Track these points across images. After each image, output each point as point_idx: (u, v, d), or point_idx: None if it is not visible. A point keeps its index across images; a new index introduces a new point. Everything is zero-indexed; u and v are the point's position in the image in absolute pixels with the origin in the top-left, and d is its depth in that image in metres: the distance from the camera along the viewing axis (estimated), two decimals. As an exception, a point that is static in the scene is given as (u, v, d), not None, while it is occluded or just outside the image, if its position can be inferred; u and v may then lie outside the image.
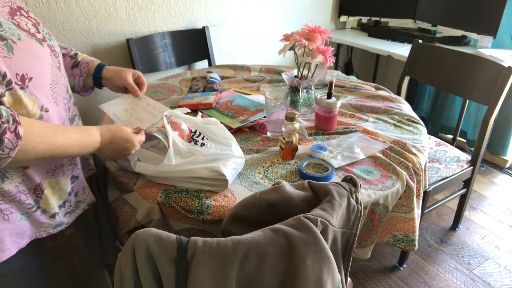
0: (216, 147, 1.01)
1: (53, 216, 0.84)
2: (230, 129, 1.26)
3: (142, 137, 0.93)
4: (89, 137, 0.81)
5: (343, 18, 2.69)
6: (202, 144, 1.04)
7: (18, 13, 0.75)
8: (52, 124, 0.76)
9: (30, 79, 0.71)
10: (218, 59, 2.22)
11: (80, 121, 0.95)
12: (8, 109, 0.65)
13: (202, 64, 2.19)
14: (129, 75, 1.04)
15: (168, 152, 0.95)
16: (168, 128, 0.96)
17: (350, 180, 0.81)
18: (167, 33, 1.95)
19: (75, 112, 0.92)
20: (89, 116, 1.87)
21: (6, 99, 0.68)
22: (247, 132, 1.28)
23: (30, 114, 0.73)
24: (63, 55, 1.00)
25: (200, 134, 1.07)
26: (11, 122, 0.64)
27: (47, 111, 0.77)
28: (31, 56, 0.72)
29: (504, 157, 2.43)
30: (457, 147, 1.82)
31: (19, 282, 0.85)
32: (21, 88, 0.70)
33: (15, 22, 0.73)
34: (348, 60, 2.90)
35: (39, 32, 0.77)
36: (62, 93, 0.84)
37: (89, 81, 1.03)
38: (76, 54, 1.03)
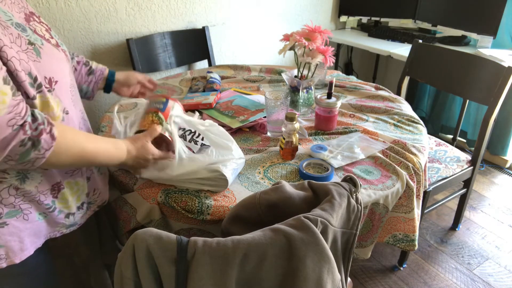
0: (217, 153, 1.01)
1: (67, 216, 0.86)
2: (230, 129, 1.26)
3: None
4: (116, 149, 0.84)
5: (343, 18, 2.69)
6: (202, 145, 1.04)
7: (31, 18, 0.78)
8: (82, 132, 0.79)
9: (56, 82, 0.75)
10: (218, 59, 2.22)
11: (88, 121, 0.97)
12: (41, 112, 0.69)
13: (202, 64, 2.19)
14: (140, 74, 1.18)
15: (173, 163, 0.96)
16: (176, 137, 0.97)
17: (350, 180, 0.81)
18: (167, 33, 1.95)
19: (84, 113, 0.95)
20: (89, 115, 1.86)
21: (37, 102, 0.71)
22: (247, 132, 1.28)
23: (55, 116, 0.76)
24: (77, 62, 1.05)
25: (199, 134, 1.07)
26: (46, 124, 0.68)
27: (67, 113, 0.80)
28: (54, 60, 0.75)
29: (504, 157, 2.43)
30: (457, 147, 1.82)
31: (33, 279, 0.87)
32: (49, 91, 0.73)
33: (32, 28, 0.75)
34: (348, 60, 2.90)
35: (52, 38, 0.80)
36: (77, 95, 0.88)
37: (101, 87, 1.11)
38: (87, 61, 1.08)
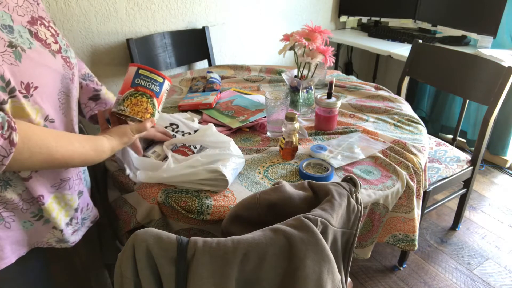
0: (214, 150, 1.01)
1: (54, 228, 0.83)
2: (230, 129, 1.26)
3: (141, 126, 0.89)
4: (96, 151, 0.78)
5: (343, 18, 2.69)
6: (201, 146, 1.05)
7: (38, 22, 0.75)
8: (57, 134, 0.73)
9: (36, 88, 0.70)
10: (218, 59, 2.22)
11: (85, 131, 0.93)
12: (5, 115, 0.63)
13: (202, 64, 2.19)
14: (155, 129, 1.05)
15: (168, 162, 0.95)
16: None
17: (350, 180, 0.81)
18: (167, 33, 1.95)
19: (76, 123, 0.90)
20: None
21: (8, 106, 0.66)
22: (247, 132, 1.28)
23: (33, 123, 0.71)
24: (90, 82, 0.99)
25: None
26: (5, 128, 0.62)
27: (52, 121, 0.75)
28: (40, 65, 0.71)
29: (504, 157, 2.43)
30: (457, 147, 1.81)
31: (20, 285, 0.84)
32: (25, 96, 0.68)
33: (33, 31, 0.72)
34: (348, 60, 2.90)
35: (56, 43, 0.76)
36: (73, 104, 0.82)
37: (95, 118, 1.00)
38: (101, 89, 1.01)
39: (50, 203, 0.79)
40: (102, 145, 0.80)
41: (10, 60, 0.65)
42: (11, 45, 0.66)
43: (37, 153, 0.67)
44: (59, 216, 0.82)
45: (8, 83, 0.65)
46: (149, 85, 0.86)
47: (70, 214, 0.85)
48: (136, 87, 0.85)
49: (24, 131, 0.65)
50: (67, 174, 0.82)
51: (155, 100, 0.87)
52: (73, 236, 0.88)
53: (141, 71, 0.86)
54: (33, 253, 0.84)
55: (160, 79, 0.87)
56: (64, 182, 0.81)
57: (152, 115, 0.88)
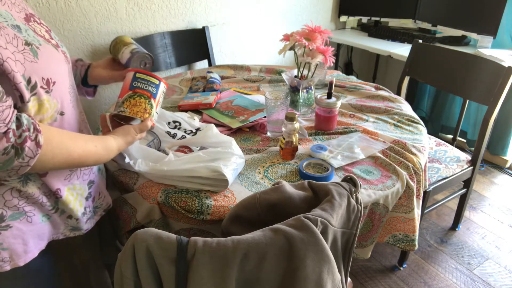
0: (216, 148, 1.02)
1: (69, 217, 0.86)
2: (230, 129, 1.26)
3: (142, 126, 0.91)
4: (106, 150, 0.82)
5: (343, 18, 2.69)
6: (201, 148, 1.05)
7: (32, 19, 0.77)
8: (71, 135, 0.75)
9: (54, 83, 0.73)
10: (218, 59, 2.22)
11: (87, 123, 0.95)
12: (29, 117, 0.66)
13: (202, 64, 2.19)
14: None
15: (169, 156, 0.96)
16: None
17: (350, 180, 0.81)
18: (167, 33, 1.95)
19: (84, 115, 0.93)
20: (89, 116, 1.86)
21: (32, 104, 0.69)
22: (247, 132, 1.28)
23: (48, 117, 0.74)
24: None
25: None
26: (31, 130, 0.65)
27: (62, 114, 0.78)
28: (52, 61, 0.73)
29: (504, 157, 2.43)
30: (457, 147, 1.82)
31: (36, 282, 0.87)
32: (47, 92, 0.71)
33: (31, 28, 0.74)
34: (348, 60, 2.90)
35: (52, 39, 0.79)
36: (77, 97, 0.86)
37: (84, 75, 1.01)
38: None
39: (66, 195, 0.82)
40: (111, 145, 0.83)
41: (29, 57, 0.68)
42: (27, 43, 0.68)
43: (59, 154, 0.70)
44: (76, 207, 0.85)
45: (29, 81, 0.67)
46: (146, 87, 0.89)
47: (83, 203, 0.88)
48: (134, 89, 0.88)
49: (46, 133, 0.68)
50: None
51: (152, 101, 0.90)
52: (86, 224, 0.91)
53: (138, 75, 0.89)
54: (47, 249, 0.86)
55: (156, 81, 0.91)
56: (72, 172, 0.84)
57: (151, 115, 0.90)
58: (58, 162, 0.71)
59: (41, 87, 0.70)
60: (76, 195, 0.86)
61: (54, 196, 0.81)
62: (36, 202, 0.78)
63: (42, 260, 0.86)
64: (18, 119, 0.64)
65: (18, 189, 0.75)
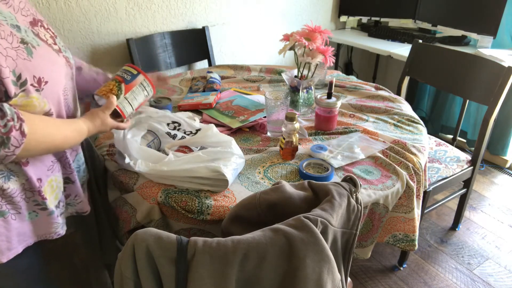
0: (216, 148, 1.02)
1: (50, 214, 0.84)
2: (230, 129, 1.26)
3: (119, 125, 0.94)
4: (79, 133, 0.83)
5: (343, 18, 2.69)
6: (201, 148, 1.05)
7: (39, 23, 0.79)
8: (53, 121, 0.77)
9: (46, 82, 0.74)
10: (218, 59, 2.22)
11: None
12: (11, 106, 0.67)
13: (202, 64, 2.19)
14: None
15: (169, 156, 0.96)
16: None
17: (350, 180, 0.81)
18: (167, 33, 1.95)
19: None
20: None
21: (18, 100, 0.69)
22: (247, 132, 1.28)
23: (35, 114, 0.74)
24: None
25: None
26: (16, 120, 0.66)
27: (51, 114, 0.78)
28: (49, 62, 0.75)
29: (504, 157, 2.43)
30: (457, 147, 1.81)
31: (22, 282, 0.86)
32: (37, 90, 0.72)
33: (35, 31, 0.76)
34: (348, 60, 2.90)
35: (55, 44, 0.81)
36: (73, 102, 0.87)
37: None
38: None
39: (46, 186, 0.82)
40: (82, 128, 0.84)
41: (23, 55, 0.69)
42: (23, 41, 0.70)
43: (42, 142, 0.73)
44: (50, 198, 0.84)
45: (19, 77, 0.68)
46: (122, 74, 0.97)
47: (58, 197, 0.87)
48: (114, 77, 0.97)
49: (30, 123, 0.69)
50: (56, 155, 0.85)
51: (122, 85, 0.95)
52: (60, 218, 0.89)
53: (124, 67, 0.98)
54: (36, 248, 0.85)
55: (134, 72, 0.97)
56: (54, 164, 0.84)
57: (116, 96, 0.93)
58: (42, 149, 0.74)
59: (32, 85, 0.70)
60: (56, 187, 0.86)
61: (37, 189, 0.80)
62: (21, 198, 0.78)
63: (32, 260, 0.85)
64: (1, 109, 0.65)
65: (0, 187, 0.74)
